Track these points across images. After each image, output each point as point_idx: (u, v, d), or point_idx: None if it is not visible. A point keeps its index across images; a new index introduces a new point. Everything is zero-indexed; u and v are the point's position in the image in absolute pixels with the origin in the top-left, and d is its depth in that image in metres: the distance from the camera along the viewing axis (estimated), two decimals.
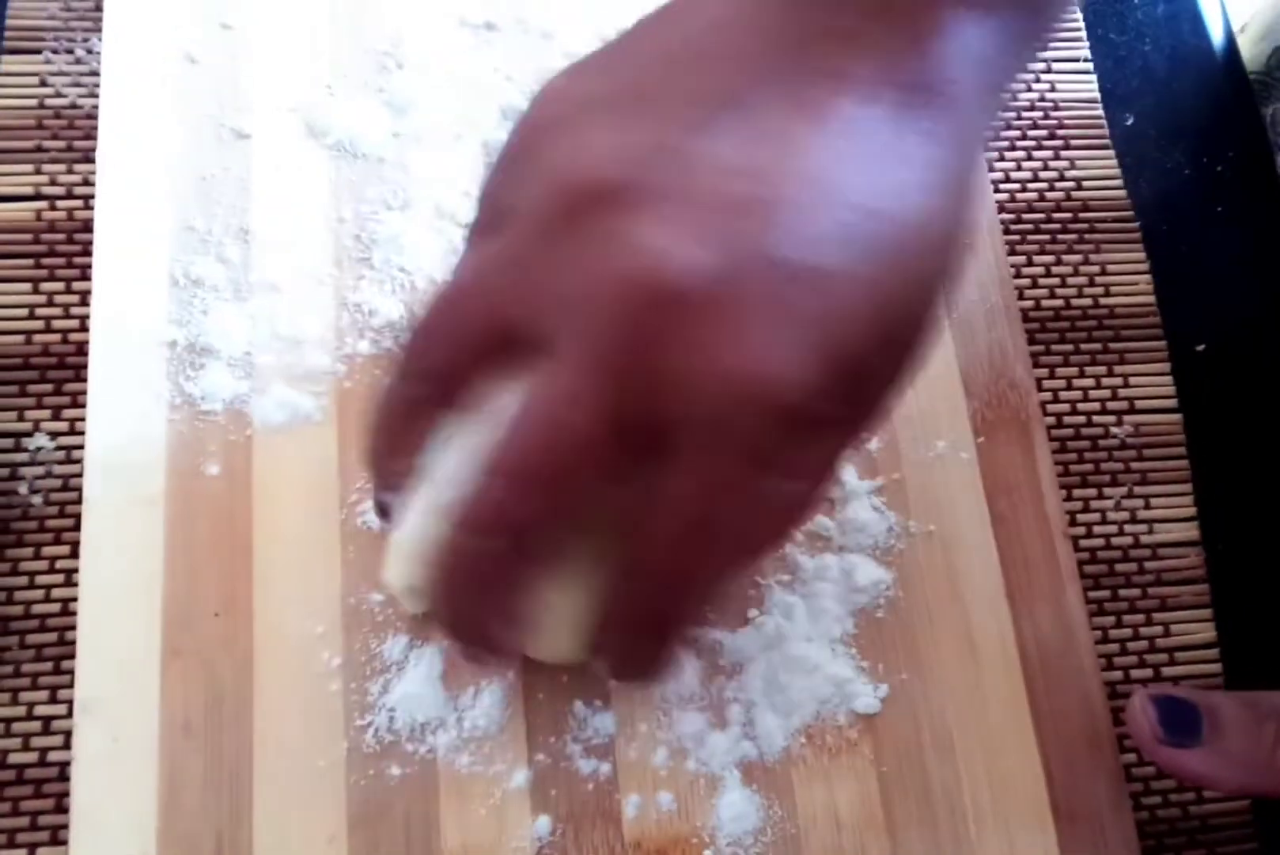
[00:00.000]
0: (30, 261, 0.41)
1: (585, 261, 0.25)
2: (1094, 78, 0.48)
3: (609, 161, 0.26)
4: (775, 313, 0.25)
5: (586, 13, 0.45)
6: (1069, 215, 0.46)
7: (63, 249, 0.41)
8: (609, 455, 0.26)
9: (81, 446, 0.39)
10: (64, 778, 0.36)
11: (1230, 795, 0.39)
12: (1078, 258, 0.46)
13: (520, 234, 0.27)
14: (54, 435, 0.39)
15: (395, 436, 0.31)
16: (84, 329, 0.40)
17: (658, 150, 0.26)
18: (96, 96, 0.42)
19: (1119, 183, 0.47)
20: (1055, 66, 0.48)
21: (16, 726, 0.36)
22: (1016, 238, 0.46)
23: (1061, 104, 0.48)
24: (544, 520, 0.27)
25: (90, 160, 0.42)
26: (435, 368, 0.29)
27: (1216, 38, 0.50)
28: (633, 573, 0.28)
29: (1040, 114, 0.48)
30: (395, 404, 0.31)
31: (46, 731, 0.36)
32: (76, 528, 0.38)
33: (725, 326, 0.25)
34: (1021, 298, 0.45)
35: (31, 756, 0.36)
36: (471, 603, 0.29)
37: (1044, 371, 0.44)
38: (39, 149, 0.42)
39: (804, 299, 0.25)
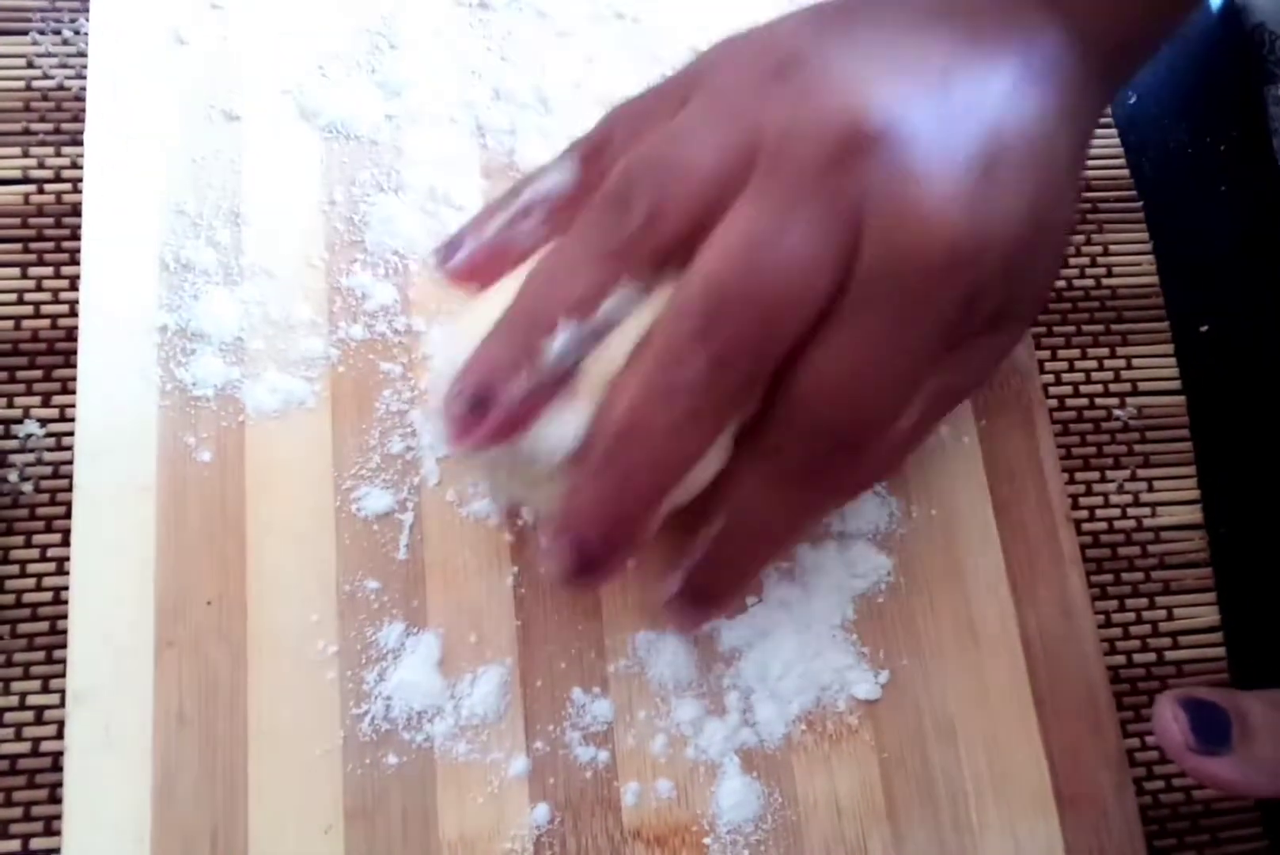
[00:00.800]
0: (18, 246, 0.40)
1: (805, 100, 0.29)
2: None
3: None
4: (966, 190, 0.28)
5: None
6: None
7: (51, 233, 0.41)
8: (817, 286, 0.28)
9: (72, 433, 0.38)
10: (57, 768, 0.35)
11: (1262, 800, 0.39)
12: (1080, 238, 0.45)
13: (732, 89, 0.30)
14: (44, 422, 0.39)
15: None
16: (73, 314, 0.39)
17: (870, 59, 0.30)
18: (84, 78, 0.42)
19: (1121, 163, 0.47)
20: None
21: (9, 716, 0.36)
22: None
23: None
24: (761, 347, 0.28)
25: (78, 143, 0.41)
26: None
27: (1220, 16, 0.49)
28: (778, 423, 0.29)
29: None
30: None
31: (39, 721, 0.36)
32: (67, 515, 0.37)
33: (926, 185, 0.28)
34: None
35: (24, 746, 0.36)
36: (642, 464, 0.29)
37: (1046, 353, 0.43)
38: (26, 132, 0.41)
39: (985, 187, 0.28)
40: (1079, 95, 0.32)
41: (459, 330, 0.33)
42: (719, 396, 0.28)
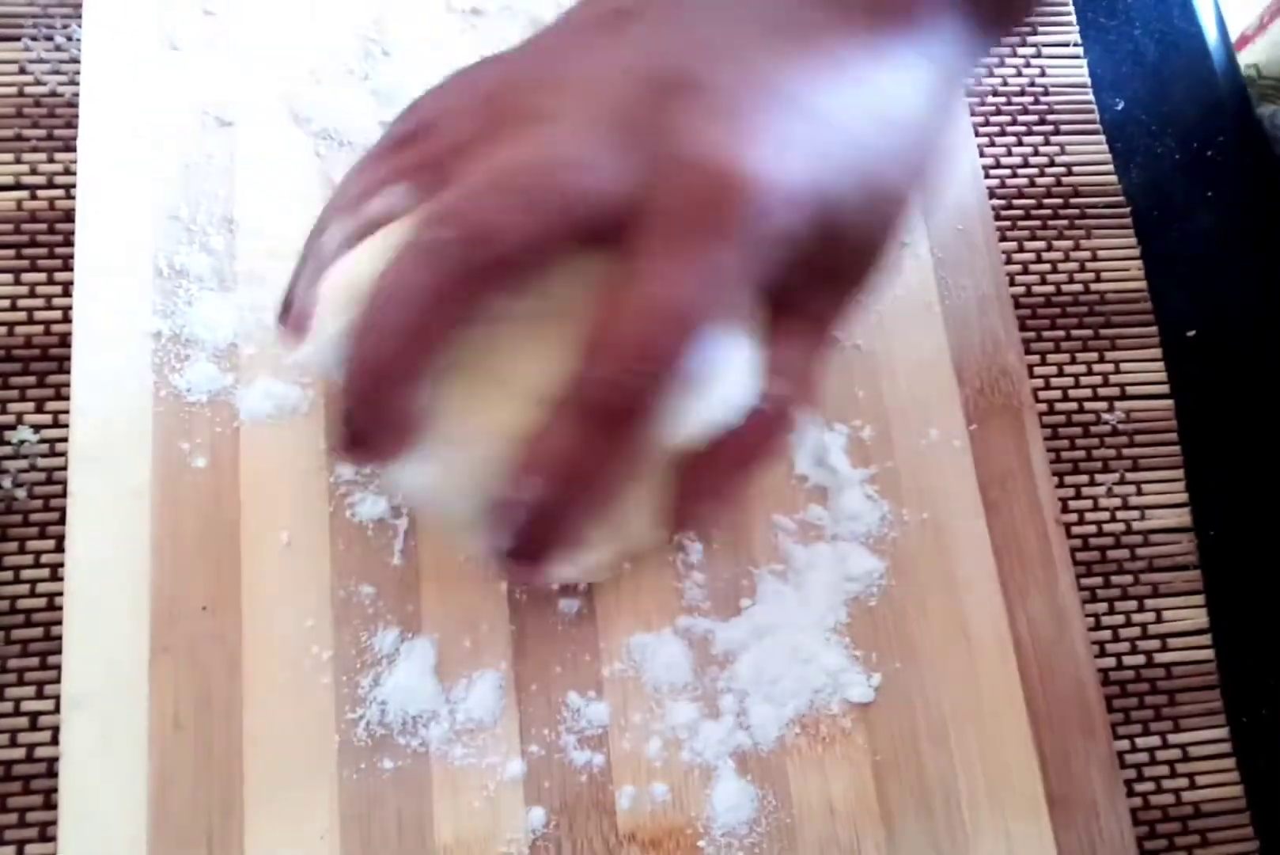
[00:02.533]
0: (11, 252, 0.40)
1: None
2: (1084, 63, 0.48)
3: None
4: (780, 135, 0.28)
5: None
6: (1059, 201, 0.46)
7: (44, 239, 0.40)
8: (599, 191, 0.28)
9: (65, 439, 0.38)
10: (52, 774, 0.35)
11: None
12: (1068, 244, 0.46)
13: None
14: (37, 428, 0.39)
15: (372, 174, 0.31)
16: (67, 320, 0.39)
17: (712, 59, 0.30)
18: (77, 84, 0.42)
19: (1109, 168, 0.47)
20: (1045, 52, 0.48)
21: (3, 722, 0.36)
22: (1007, 224, 0.45)
23: (1052, 89, 0.47)
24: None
25: (71, 148, 0.41)
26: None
27: (1207, 23, 0.50)
28: (596, 348, 0.28)
29: (1030, 99, 0.47)
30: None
31: (34, 727, 0.36)
32: (61, 521, 0.37)
33: (731, 124, 0.28)
34: (1012, 284, 0.44)
35: (19, 753, 0.36)
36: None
37: (1035, 358, 0.44)
38: (19, 137, 0.41)
39: (808, 137, 0.29)
40: (944, 46, 0.32)
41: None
42: (472, 268, 0.28)
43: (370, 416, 0.29)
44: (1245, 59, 0.52)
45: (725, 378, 0.31)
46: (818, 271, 0.31)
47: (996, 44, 0.43)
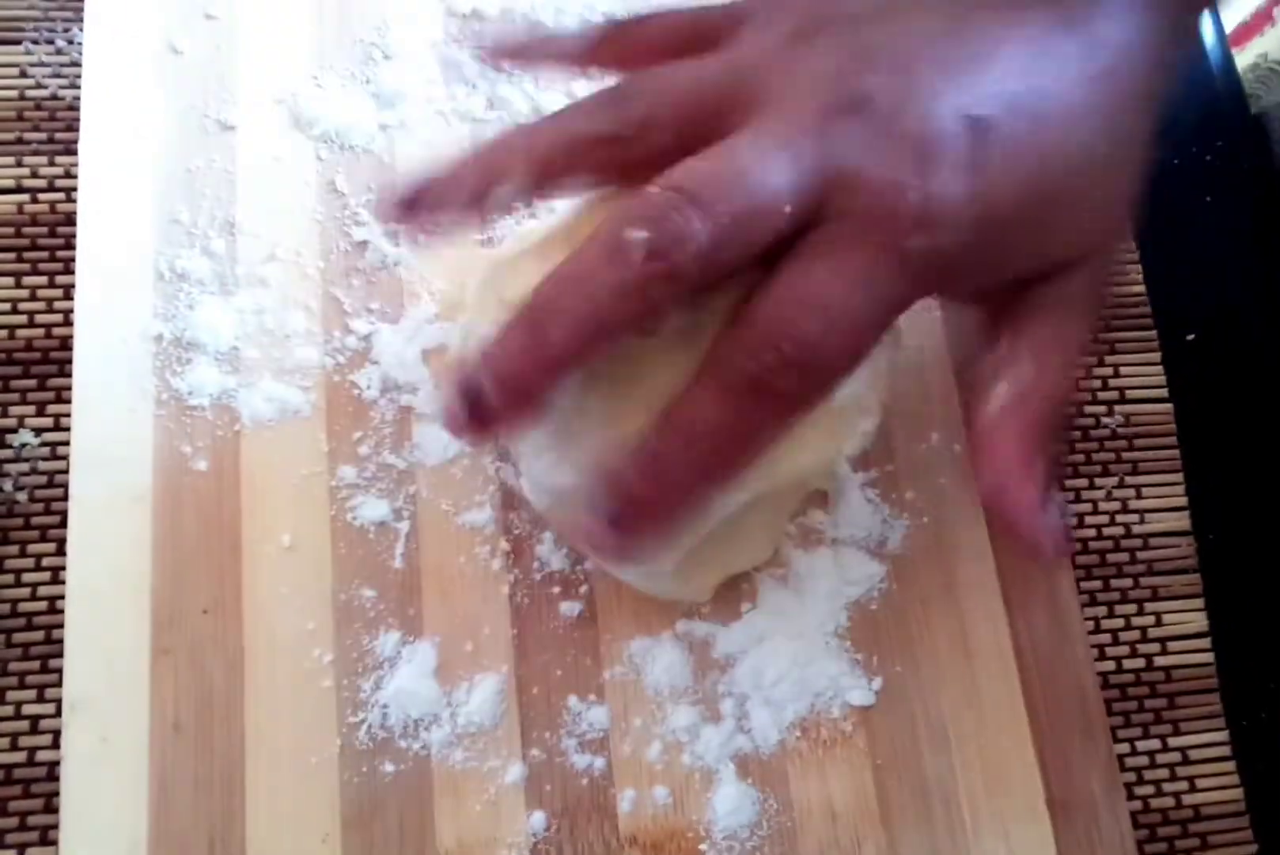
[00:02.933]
0: (12, 255, 0.40)
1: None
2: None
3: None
4: (943, 151, 0.29)
5: (572, 0, 0.45)
6: None
7: (45, 243, 0.40)
8: (775, 208, 0.29)
9: (67, 443, 0.38)
10: (53, 777, 0.35)
11: None
12: None
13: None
14: (38, 431, 0.39)
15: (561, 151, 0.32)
16: (68, 324, 0.39)
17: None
18: (78, 88, 0.42)
19: None
20: None
21: (4, 726, 0.36)
22: None
23: None
24: None
25: (72, 152, 0.41)
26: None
27: (1204, 27, 0.50)
28: (729, 337, 0.30)
29: None
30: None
31: (34, 731, 0.36)
32: (62, 525, 0.37)
33: (900, 150, 0.29)
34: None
35: (20, 756, 0.36)
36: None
37: None
38: (20, 141, 0.41)
39: (971, 149, 0.30)
40: (1132, 54, 0.33)
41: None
42: (653, 274, 0.28)
43: (508, 396, 0.29)
44: (1257, 48, 0.51)
45: (861, 403, 0.34)
46: (1022, 272, 0.33)
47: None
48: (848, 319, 0.29)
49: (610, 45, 0.36)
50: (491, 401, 0.29)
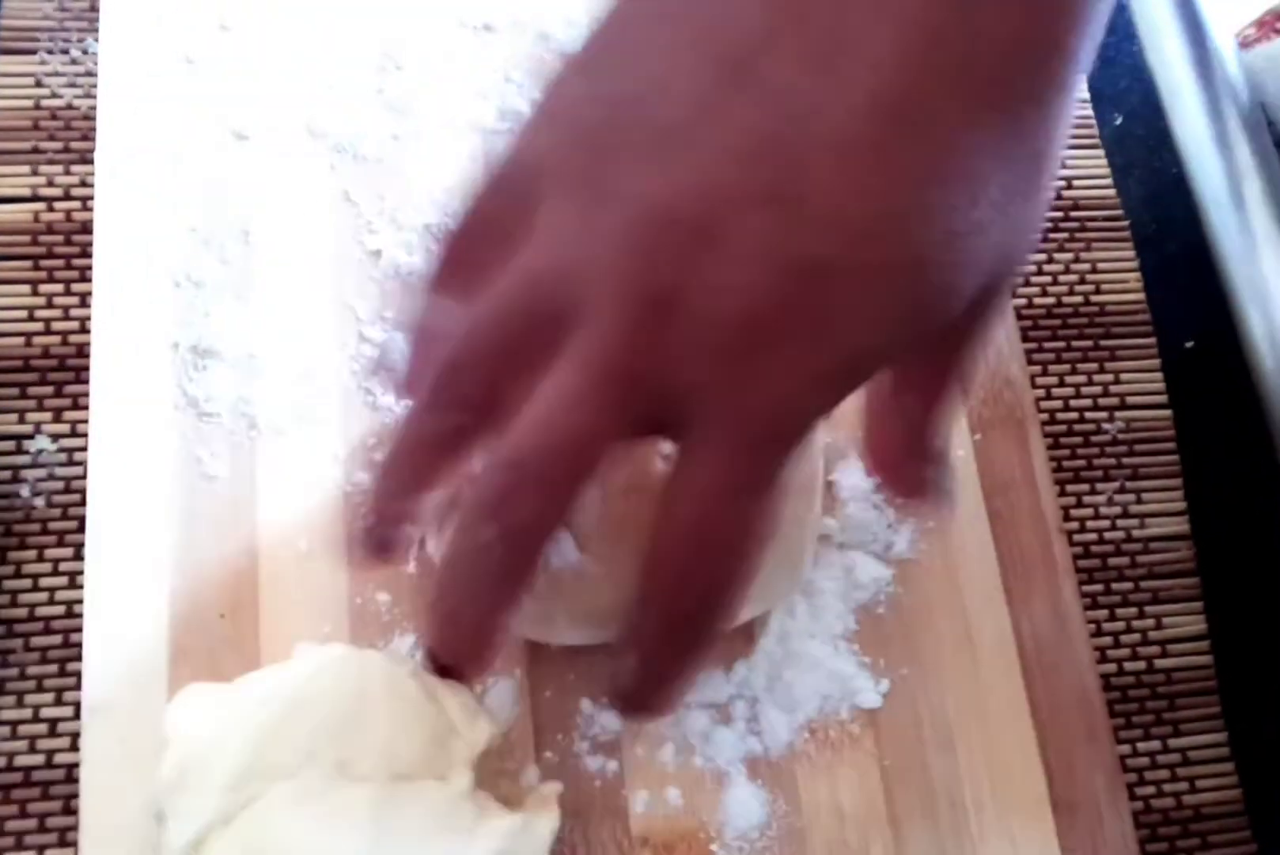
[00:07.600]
0: (29, 263, 0.41)
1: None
2: (1083, 78, 0.49)
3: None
4: (880, 257, 0.25)
5: (582, 13, 0.45)
6: (1059, 214, 0.47)
7: (61, 251, 0.41)
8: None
9: (84, 449, 0.38)
10: (72, 779, 0.36)
11: None
12: (1068, 256, 0.46)
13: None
14: (55, 437, 0.39)
15: (420, 472, 0.30)
16: (84, 331, 0.40)
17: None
18: (93, 97, 0.42)
19: (1108, 182, 0.48)
20: None
21: (23, 729, 0.36)
22: None
23: None
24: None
25: (87, 161, 0.41)
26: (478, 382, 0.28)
27: (1222, 39, 0.50)
28: (660, 551, 0.28)
29: None
30: (422, 436, 0.29)
31: (53, 734, 0.36)
32: (80, 530, 0.38)
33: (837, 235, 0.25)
34: (1014, 296, 0.45)
35: (38, 759, 0.36)
36: (475, 593, 0.29)
37: (1037, 368, 0.45)
38: (35, 150, 0.42)
39: (898, 259, 0.25)
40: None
41: None
42: (519, 536, 0.27)
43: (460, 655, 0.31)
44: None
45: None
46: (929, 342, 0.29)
47: None
48: (740, 534, 0.27)
49: (443, 282, 0.31)
50: (457, 654, 0.31)
